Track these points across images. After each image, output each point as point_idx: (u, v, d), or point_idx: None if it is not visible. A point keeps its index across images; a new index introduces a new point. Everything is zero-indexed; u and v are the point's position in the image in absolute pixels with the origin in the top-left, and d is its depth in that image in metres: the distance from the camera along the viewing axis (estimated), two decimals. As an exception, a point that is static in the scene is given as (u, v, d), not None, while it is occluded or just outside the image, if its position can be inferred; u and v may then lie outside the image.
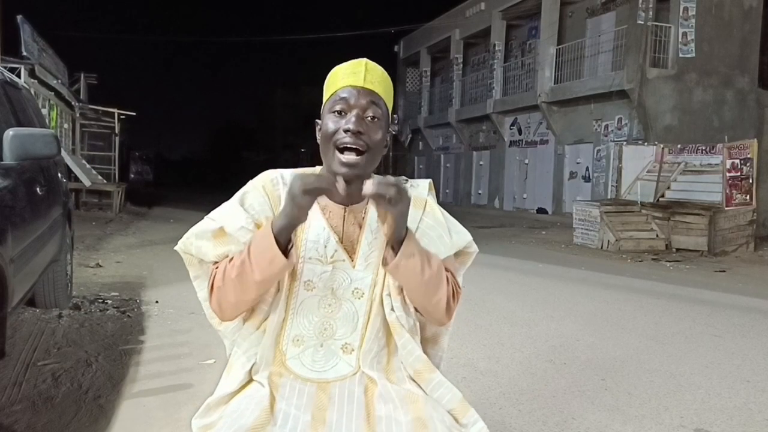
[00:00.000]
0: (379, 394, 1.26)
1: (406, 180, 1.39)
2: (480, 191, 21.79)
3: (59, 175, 4.32)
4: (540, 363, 3.77)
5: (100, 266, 6.60)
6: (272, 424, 1.19)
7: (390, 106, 1.29)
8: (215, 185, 35.75)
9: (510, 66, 20.05)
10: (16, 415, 2.58)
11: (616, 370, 3.65)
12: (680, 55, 13.96)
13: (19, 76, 11.02)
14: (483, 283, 6.28)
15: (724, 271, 8.33)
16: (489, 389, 3.24)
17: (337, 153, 1.21)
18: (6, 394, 2.81)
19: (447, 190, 23.69)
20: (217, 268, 1.25)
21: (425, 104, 25.59)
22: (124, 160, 28.72)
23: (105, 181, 16.61)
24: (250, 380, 1.30)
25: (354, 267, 1.29)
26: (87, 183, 14.18)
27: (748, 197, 10.21)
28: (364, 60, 1.28)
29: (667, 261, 9.16)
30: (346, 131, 1.20)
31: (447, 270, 1.30)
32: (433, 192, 1.40)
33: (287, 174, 1.33)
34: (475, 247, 1.41)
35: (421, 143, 26.17)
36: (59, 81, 15.05)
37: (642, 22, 13.75)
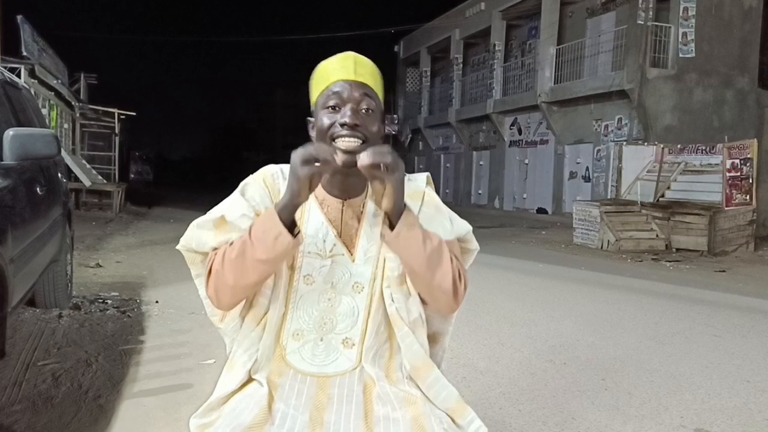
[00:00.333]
0: (378, 394, 1.26)
1: (404, 174, 1.37)
2: (480, 191, 21.80)
3: (59, 175, 4.32)
4: (540, 363, 3.77)
5: (100, 266, 6.60)
6: (270, 424, 1.19)
7: (381, 97, 1.28)
8: (215, 185, 35.73)
9: (510, 66, 20.06)
10: (16, 415, 2.58)
11: (616, 370, 3.65)
12: (680, 55, 13.96)
13: (19, 76, 11.02)
14: (483, 283, 6.28)
15: (724, 271, 8.33)
16: (489, 389, 3.24)
17: (336, 143, 1.20)
18: (6, 394, 2.81)
19: (447, 190, 23.69)
20: (216, 253, 1.23)
21: (425, 104, 25.59)
22: (124, 160, 28.72)
23: (105, 181, 16.61)
24: (250, 379, 1.29)
25: (353, 261, 1.29)
26: (87, 183, 14.18)
27: (748, 197, 10.21)
28: (352, 53, 1.27)
29: (667, 261, 9.16)
30: (342, 125, 1.19)
31: (451, 252, 1.27)
32: (432, 184, 1.38)
33: (287, 169, 1.31)
34: (476, 244, 1.39)
35: (421, 143, 26.17)
36: (59, 81, 15.05)
37: (642, 22, 13.75)
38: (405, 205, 1.18)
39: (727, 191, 10.15)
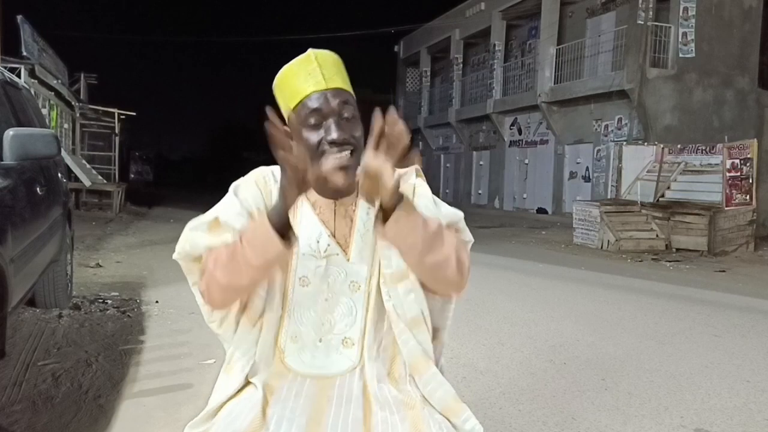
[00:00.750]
0: (376, 397, 1.25)
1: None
2: (480, 191, 21.80)
3: (59, 175, 4.32)
4: (540, 363, 3.77)
5: (100, 266, 6.60)
6: (265, 428, 1.18)
7: (351, 88, 1.25)
8: (215, 185, 35.66)
9: (510, 66, 20.06)
10: (16, 415, 2.58)
11: (616, 370, 3.65)
12: (680, 55, 13.96)
13: (19, 76, 11.02)
14: (483, 283, 6.28)
15: (724, 271, 8.33)
16: (489, 389, 3.24)
17: (326, 162, 1.17)
18: (6, 394, 2.81)
19: (447, 190, 23.69)
20: (210, 253, 1.22)
21: (425, 104, 25.59)
22: (124, 160, 28.71)
23: (105, 181, 16.61)
24: (246, 383, 1.28)
25: (349, 260, 1.28)
26: (87, 183, 14.18)
27: (748, 197, 10.22)
28: (312, 54, 1.23)
29: (667, 261, 9.16)
30: (332, 143, 1.17)
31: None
32: (422, 177, 1.35)
33: (278, 171, 1.29)
34: (469, 235, 1.36)
35: (421, 143, 26.15)
36: (59, 81, 15.05)
37: (642, 22, 13.75)
38: (401, 193, 1.14)
39: (727, 191, 10.15)
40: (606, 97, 14.90)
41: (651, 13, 13.85)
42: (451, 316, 1.41)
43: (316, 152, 1.18)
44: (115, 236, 9.85)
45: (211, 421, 1.25)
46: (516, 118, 19.40)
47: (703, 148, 10.95)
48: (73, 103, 17.60)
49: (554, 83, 16.97)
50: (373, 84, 29.10)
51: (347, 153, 1.17)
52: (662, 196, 11.09)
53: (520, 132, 19.36)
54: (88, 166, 16.92)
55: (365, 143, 1.17)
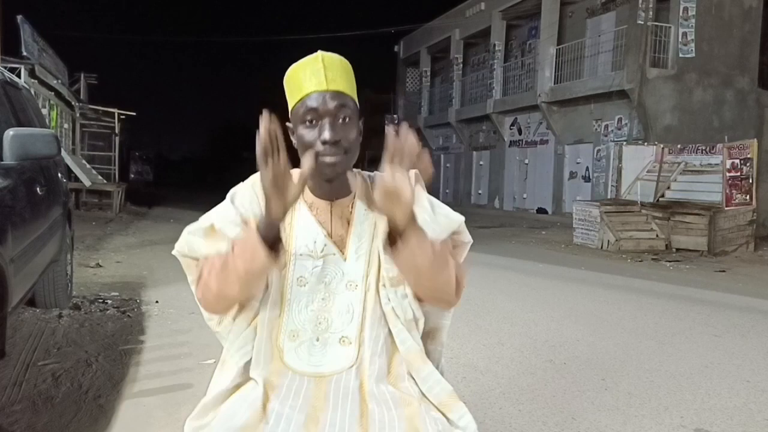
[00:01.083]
0: (374, 393, 1.27)
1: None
2: (480, 191, 21.80)
3: (59, 175, 4.32)
4: (540, 363, 3.77)
5: (100, 266, 6.61)
6: (264, 424, 1.20)
7: (355, 93, 1.29)
8: (215, 185, 35.68)
9: (510, 66, 20.06)
10: (16, 415, 2.58)
11: (616, 370, 3.66)
12: (680, 55, 13.96)
13: (19, 76, 11.02)
14: (483, 283, 6.28)
15: (724, 271, 8.33)
16: (489, 389, 3.24)
17: (318, 158, 1.21)
18: (6, 394, 2.81)
19: (447, 190, 23.69)
20: (206, 261, 1.26)
21: (425, 104, 25.59)
22: (124, 160, 28.71)
23: (105, 181, 16.61)
24: (246, 380, 1.31)
25: (345, 260, 1.31)
26: (87, 183, 14.18)
27: (748, 197, 10.22)
28: (320, 56, 1.26)
29: (667, 261, 9.16)
30: (324, 143, 1.21)
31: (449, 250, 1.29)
32: (421, 182, 1.38)
33: None
34: (468, 237, 1.40)
35: (421, 143, 26.09)
36: (59, 81, 15.05)
37: (642, 22, 13.75)
38: (413, 212, 1.18)
39: (727, 191, 10.15)
40: (606, 97, 14.90)
41: (651, 13, 13.85)
42: (450, 316, 1.42)
43: (308, 150, 1.22)
44: (115, 236, 9.85)
45: (209, 414, 1.27)
46: (516, 118, 19.40)
47: (703, 148, 10.94)
48: (73, 103, 17.60)
49: (554, 83, 16.97)
50: (373, 84, 29.14)
51: (339, 156, 1.21)
52: (662, 196, 11.09)
53: (520, 132, 19.37)
54: (88, 166, 16.92)
55: (362, 144, 1.25)
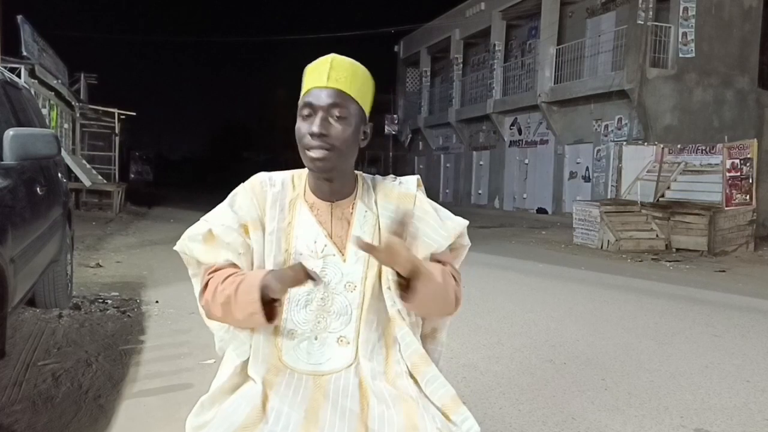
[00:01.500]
0: (373, 392, 1.27)
1: (395, 178, 1.43)
2: (480, 191, 21.80)
3: (59, 175, 4.32)
4: (540, 363, 3.77)
5: (100, 266, 6.61)
6: (264, 422, 1.21)
7: (365, 98, 1.31)
8: (215, 185, 35.68)
9: (510, 66, 20.06)
10: (16, 415, 2.58)
11: (616, 370, 3.66)
12: (680, 55, 13.96)
13: (19, 76, 11.02)
14: (483, 283, 6.28)
15: (724, 271, 8.33)
16: (489, 389, 3.24)
17: (306, 152, 1.27)
18: (6, 394, 2.81)
19: (447, 190, 23.69)
20: (210, 277, 1.30)
21: (425, 104, 25.59)
22: (124, 160, 28.72)
23: (105, 181, 16.61)
24: (245, 378, 1.32)
25: (344, 261, 1.33)
26: (87, 183, 14.19)
27: (748, 197, 10.22)
28: (331, 57, 1.30)
29: (667, 261, 9.16)
30: (311, 135, 1.25)
31: (445, 263, 1.33)
32: (422, 188, 1.42)
33: (276, 176, 1.39)
34: (467, 240, 1.44)
35: (421, 143, 26.16)
36: (59, 81, 15.05)
37: (642, 22, 13.75)
38: (415, 262, 1.21)
39: (727, 191, 10.15)
40: (606, 97, 14.90)
41: (651, 13, 13.85)
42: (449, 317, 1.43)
43: (301, 143, 1.28)
44: (115, 236, 9.85)
45: (209, 411, 1.29)
46: (516, 118, 19.41)
47: (703, 148, 10.94)
48: (73, 103, 17.60)
49: (554, 83, 16.97)
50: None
51: (323, 151, 1.25)
52: (662, 196, 11.09)
53: (520, 132, 19.37)
54: (88, 166, 16.92)
55: (363, 144, 1.32)
